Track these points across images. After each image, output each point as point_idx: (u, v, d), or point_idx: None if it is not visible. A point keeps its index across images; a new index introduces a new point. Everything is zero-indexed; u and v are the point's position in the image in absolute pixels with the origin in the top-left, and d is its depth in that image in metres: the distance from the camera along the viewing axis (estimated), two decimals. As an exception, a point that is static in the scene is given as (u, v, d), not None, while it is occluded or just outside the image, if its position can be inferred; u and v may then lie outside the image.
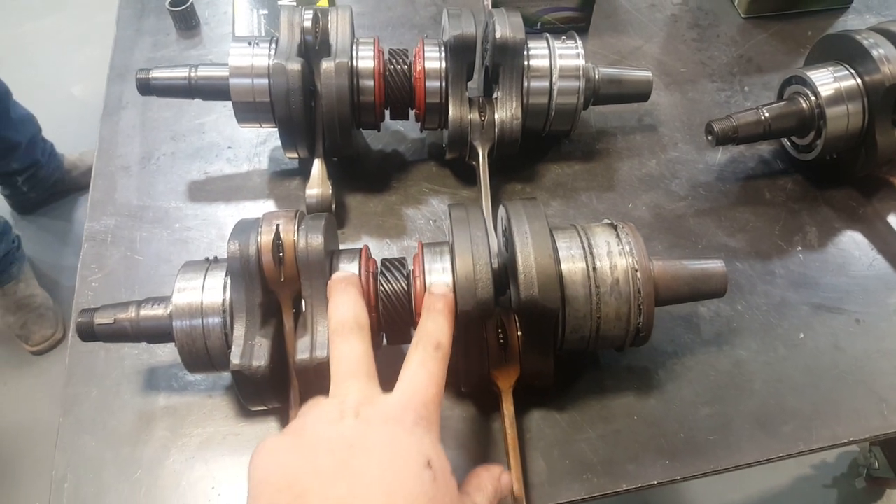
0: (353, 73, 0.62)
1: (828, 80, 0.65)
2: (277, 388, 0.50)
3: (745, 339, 0.60)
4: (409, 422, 0.39)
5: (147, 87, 0.64)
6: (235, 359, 0.47)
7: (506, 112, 0.64)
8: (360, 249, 0.52)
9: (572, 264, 0.50)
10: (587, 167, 0.72)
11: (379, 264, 0.52)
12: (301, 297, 0.50)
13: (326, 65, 0.60)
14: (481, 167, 0.65)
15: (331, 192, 0.64)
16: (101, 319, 0.51)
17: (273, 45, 0.62)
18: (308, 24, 0.61)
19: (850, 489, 1.44)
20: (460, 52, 0.63)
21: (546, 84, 0.65)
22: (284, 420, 0.54)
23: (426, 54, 0.64)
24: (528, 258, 0.47)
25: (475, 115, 0.65)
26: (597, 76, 0.68)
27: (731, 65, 0.82)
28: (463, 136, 0.65)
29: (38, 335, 1.65)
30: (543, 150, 0.74)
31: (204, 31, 0.84)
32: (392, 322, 0.50)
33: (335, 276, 0.49)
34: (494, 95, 0.65)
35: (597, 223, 0.54)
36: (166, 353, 0.58)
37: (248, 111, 0.63)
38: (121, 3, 0.88)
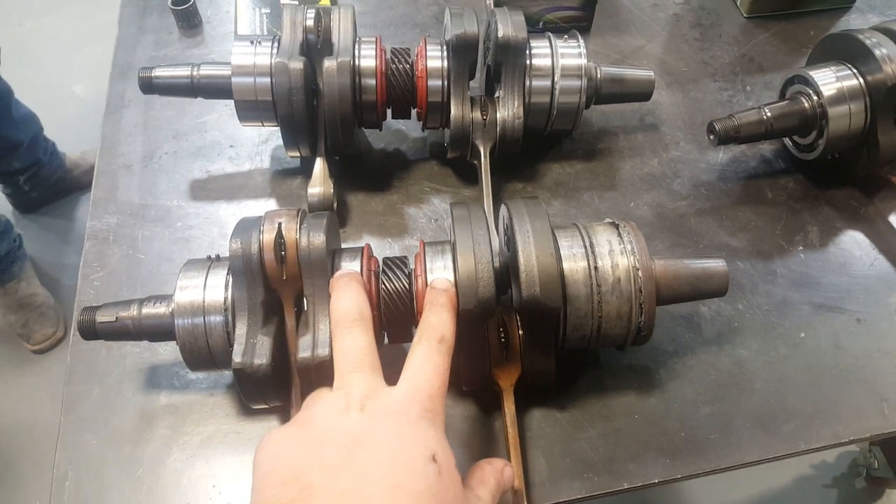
0: (356, 72, 0.62)
1: (830, 80, 0.65)
2: (279, 387, 0.50)
3: (746, 338, 0.60)
4: (414, 415, 0.39)
5: (149, 86, 0.64)
6: (237, 357, 0.47)
7: (507, 111, 0.64)
8: (362, 248, 0.52)
9: (574, 263, 0.50)
10: (589, 166, 0.72)
11: (381, 263, 0.52)
12: (303, 296, 0.50)
13: (329, 63, 0.60)
14: (483, 166, 0.65)
15: (332, 190, 0.64)
16: (103, 317, 0.51)
17: (275, 44, 0.63)
18: (310, 22, 0.61)
19: (849, 489, 1.44)
20: (462, 50, 0.63)
21: (548, 83, 0.65)
22: (286, 418, 0.55)
23: (428, 53, 0.64)
24: (529, 257, 0.47)
25: (477, 114, 0.65)
26: (599, 75, 0.68)
27: (733, 64, 0.82)
28: (465, 135, 0.65)
29: (39, 334, 1.65)
30: (545, 149, 0.74)
31: (206, 30, 0.84)
32: (394, 320, 0.51)
33: (337, 273, 0.49)
34: (496, 94, 0.65)
35: (598, 222, 0.54)
36: (168, 351, 0.59)
37: (251, 110, 0.63)
38: (123, 1, 0.88)
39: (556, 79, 0.65)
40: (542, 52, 0.65)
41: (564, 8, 0.82)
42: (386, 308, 0.50)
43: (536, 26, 0.83)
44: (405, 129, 0.75)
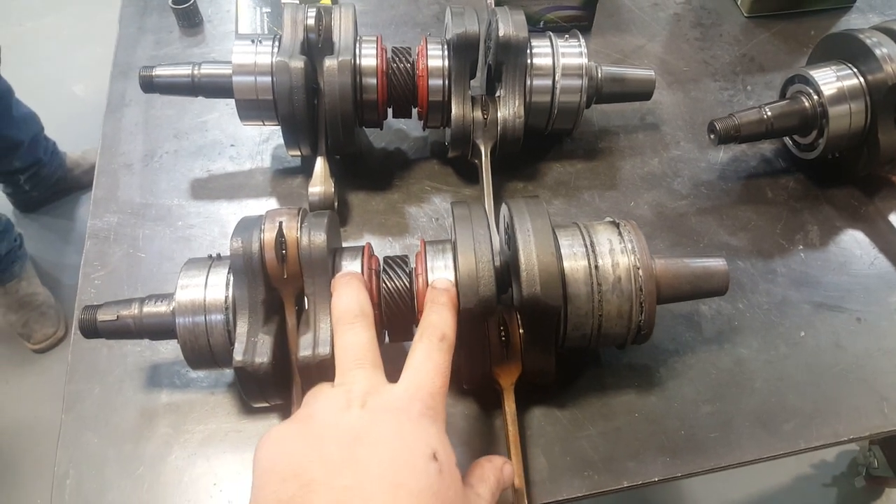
0: (357, 71, 0.62)
1: (830, 79, 0.65)
2: (280, 385, 0.50)
3: (747, 337, 0.60)
4: (415, 412, 0.39)
5: (150, 85, 0.64)
6: (238, 355, 0.47)
7: (508, 110, 0.64)
8: (363, 247, 0.52)
9: (574, 262, 0.50)
10: (589, 166, 0.73)
11: (381, 262, 0.52)
12: (304, 295, 0.50)
13: (329, 62, 0.60)
14: (484, 165, 0.65)
15: (333, 190, 0.64)
16: (104, 316, 0.51)
17: (276, 43, 0.63)
18: (311, 21, 0.61)
19: (849, 488, 1.44)
20: (463, 50, 0.63)
21: (549, 82, 0.65)
22: (286, 417, 0.54)
23: (429, 52, 0.64)
24: (530, 256, 0.47)
25: (478, 114, 0.65)
26: (599, 75, 0.68)
27: (733, 64, 0.82)
28: (465, 135, 0.65)
29: (39, 333, 1.65)
30: (546, 148, 0.74)
31: (207, 29, 0.84)
32: (395, 319, 0.51)
33: (339, 273, 0.49)
34: (497, 94, 0.65)
35: (599, 221, 0.54)
36: (168, 350, 0.59)
37: (251, 109, 0.63)
38: (123, 0, 0.88)
39: (556, 78, 0.65)
40: (542, 52, 0.66)
41: (565, 7, 0.82)
42: (387, 306, 0.50)
43: (537, 26, 0.83)
44: (406, 129, 0.75)
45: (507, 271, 0.51)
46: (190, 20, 0.83)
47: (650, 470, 0.53)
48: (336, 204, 0.65)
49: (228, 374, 0.57)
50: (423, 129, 0.72)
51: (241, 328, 0.48)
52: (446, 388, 0.42)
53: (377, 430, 0.38)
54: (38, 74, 2.14)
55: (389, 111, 0.67)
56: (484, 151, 0.65)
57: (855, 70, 0.65)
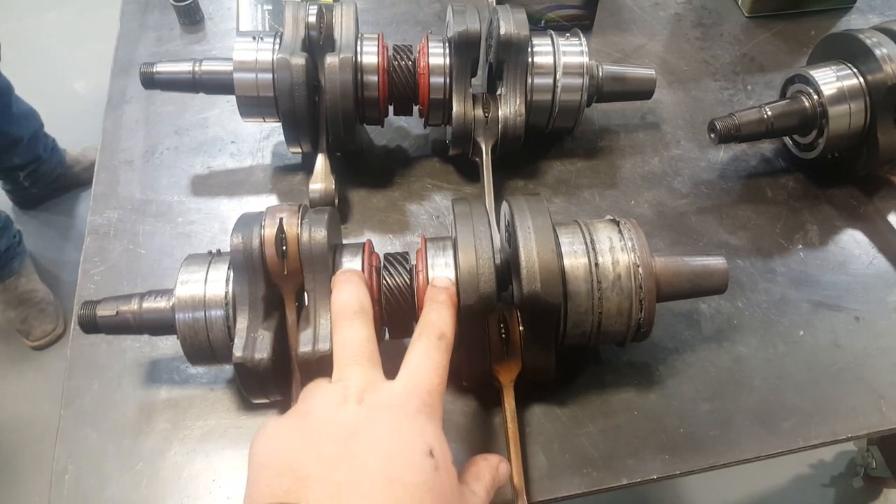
0: (358, 69, 0.62)
1: (830, 79, 0.65)
2: (279, 381, 0.50)
3: (746, 335, 0.60)
4: (412, 409, 0.40)
5: (151, 81, 0.64)
6: (238, 351, 0.48)
7: (509, 109, 0.64)
8: (364, 244, 0.52)
9: (574, 260, 0.50)
10: (590, 164, 0.73)
11: (382, 259, 0.53)
12: (304, 291, 0.50)
13: (331, 60, 0.60)
14: (484, 164, 0.65)
15: (334, 187, 0.64)
16: (104, 311, 0.51)
17: (277, 40, 0.63)
18: (312, 19, 0.61)
19: (847, 488, 1.44)
20: (464, 48, 0.63)
21: (550, 81, 0.65)
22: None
23: (430, 50, 0.64)
24: (530, 253, 0.47)
25: (479, 112, 0.65)
26: (600, 73, 0.68)
27: (734, 63, 0.82)
28: (466, 133, 0.65)
29: (38, 330, 1.65)
30: (546, 146, 0.74)
31: (208, 27, 0.84)
32: (395, 316, 0.51)
33: (339, 270, 0.49)
34: (498, 92, 0.65)
35: (599, 219, 0.54)
36: (168, 345, 0.59)
37: (252, 106, 0.63)
38: (124, -3, 0.88)
39: (557, 77, 0.65)
40: (544, 50, 0.66)
41: (566, 6, 0.82)
42: (387, 303, 0.50)
43: (538, 24, 0.83)
44: (407, 126, 0.75)
45: (508, 268, 0.51)
46: (191, 17, 0.83)
47: (649, 467, 0.53)
48: (337, 201, 0.65)
49: (228, 370, 0.58)
50: (424, 127, 0.72)
51: (241, 324, 0.48)
52: (444, 385, 0.43)
53: (374, 426, 0.38)
54: (39, 71, 2.14)
55: (390, 109, 0.67)
56: (485, 149, 0.65)
57: (855, 70, 0.65)
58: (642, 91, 0.71)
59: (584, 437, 0.54)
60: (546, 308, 0.47)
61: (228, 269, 0.51)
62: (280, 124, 0.64)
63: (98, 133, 0.74)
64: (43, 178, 1.81)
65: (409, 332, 0.53)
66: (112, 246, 0.65)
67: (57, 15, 2.36)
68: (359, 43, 0.63)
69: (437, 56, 0.64)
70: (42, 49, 2.25)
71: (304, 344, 0.47)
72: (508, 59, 0.63)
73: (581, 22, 0.84)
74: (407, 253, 0.54)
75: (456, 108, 0.64)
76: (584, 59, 0.66)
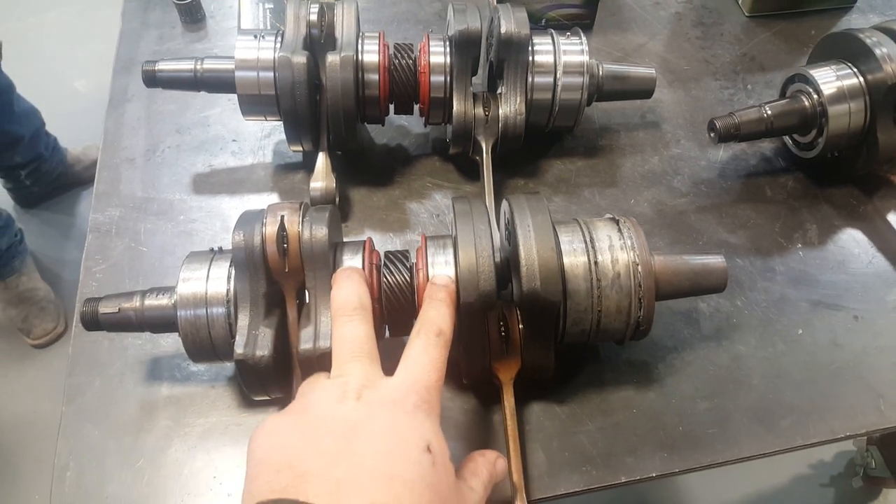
0: (359, 67, 0.62)
1: (830, 79, 0.65)
2: (280, 378, 0.50)
3: (745, 334, 0.61)
4: (410, 405, 0.40)
5: (153, 80, 0.64)
6: (239, 348, 0.48)
7: (509, 107, 0.64)
8: (364, 242, 0.53)
9: (574, 258, 0.50)
10: (590, 163, 0.73)
11: (382, 257, 0.53)
12: (305, 289, 0.50)
13: (332, 58, 0.61)
14: (484, 162, 0.65)
15: (335, 185, 0.64)
16: (106, 308, 0.51)
17: (279, 39, 0.63)
18: (314, 17, 0.61)
19: (847, 488, 1.45)
20: (465, 47, 0.63)
21: (550, 80, 0.66)
22: (287, 410, 0.55)
23: (431, 49, 0.64)
24: (530, 251, 0.47)
25: (479, 111, 0.65)
26: (600, 73, 0.68)
27: (734, 63, 0.83)
28: (467, 131, 0.65)
29: (39, 329, 1.66)
30: (546, 145, 0.74)
31: (209, 25, 0.85)
32: (395, 313, 0.51)
33: (340, 268, 0.49)
34: (498, 91, 0.65)
35: (599, 218, 0.54)
36: (169, 343, 0.59)
37: (254, 104, 0.64)
38: (126, -4, 0.88)
39: (558, 75, 0.65)
40: (544, 49, 0.66)
41: (567, 6, 0.82)
42: (387, 301, 0.51)
43: (539, 23, 0.83)
44: (407, 125, 0.75)
45: (508, 266, 0.51)
46: (192, 16, 0.84)
47: (648, 465, 0.53)
48: (337, 199, 0.65)
49: (229, 367, 0.58)
50: (425, 126, 0.72)
51: (243, 321, 0.49)
52: (441, 382, 0.43)
53: (372, 423, 0.39)
54: (40, 70, 2.15)
55: (391, 107, 0.68)
56: (485, 148, 0.65)
57: (855, 69, 0.65)
58: (642, 90, 0.71)
59: (583, 434, 0.54)
60: (545, 306, 0.48)
61: (230, 266, 0.51)
62: (281, 123, 0.64)
63: (99, 132, 0.74)
64: (44, 177, 1.81)
65: (408, 330, 0.52)
66: (114, 244, 0.65)
67: (58, 14, 2.37)
68: (360, 42, 0.64)
69: (437, 55, 0.64)
70: (43, 48, 2.26)
71: (304, 341, 0.48)
72: (509, 57, 0.64)
73: (581, 21, 0.84)
74: (407, 251, 0.54)
75: (456, 106, 0.64)
76: (585, 58, 0.66)
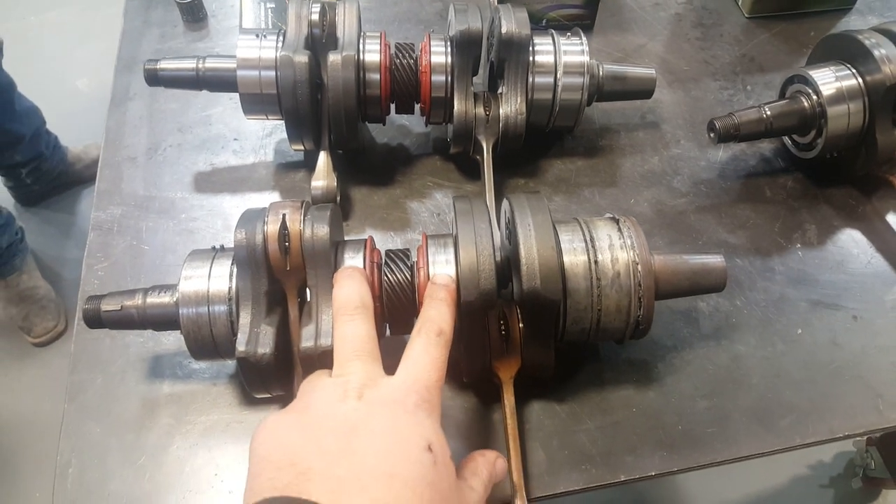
0: (360, 67, 0.63)
1: (829, 80, 0.66)
2: (282, 376, 0.50)
3: (744, 334, 0.61)
4: (411, 405, 0.40)
5: (155, 78, 0.65)
6: (241, 346, 0.48)
7: (510, 107, 0.65)
8: (365, 240, 0.53)
9: (574, 257, 0.50)
10: (590, 163, 0.73)
11: (383, 255, 0.53)
12: (306, 287, 0.50)
13: (333, 58, 0.61)
14: (485, 162, 0.66)
15: (336, 184, 0.65)
16: (108, 306, 0.51)
17: (280, 38, 0.63)
18: (315, 17, 0.62)
19: (846, 489, 1.45)
20: (466, 46, 0.63)
21: (550, 80, 0.66)
22: (288, 408, 0.55)
23: (432, 49, 0.64)
24: (530, 250, 0.48)
25: (480, 110, 0.65)
26: (601, 73, 0.68)
27: (733, 64, 0.83)
28: (467, 131, 0.65)
29: (40, 327, 1.66)
30: (547, 145, 0.74)
31: (211, 24, 0.85)
32: (396, 312, 0.51)
33: (341, 268, 0.49)
34: (499, 90, 0.66)
35: (599, 217, 0.55)
36: (171, 341, 0.59)
37: (255, 103, 0.64)
38: (128, -5, 0.88)
39: (558, 76, 0.66)
40: (545, 49, 0.66)
41: (568, 6, 0.83)
42: (388, 299, 0.51)
43: (539, 24, 0.83)
44: (408, 125, 0.76)
45: (508, 265, 0.52)
46: (194, 15, 0.84)
47: (647, 464, 0.53)
48: (338, 198, 0.65)
49: (230, 365, 0.58)
50: (426, 125, 0.72)
51: (244, 319, 0.49)
52: (442, 381, 0.43)
53: (373, 422, 0.39)
54: (41, 69, 2.15)
55: (392, 107, 0.68)
56: (486, 148, 0.66)
57: (853, 70, 0.66)
58: (642, 90, 0.71)
59: (582, 433, 0.55)
60: (546, 304, 0.48)
61: (232, 264, 0.51)
62: (282, 122, 0.64)
63: (100, 130, 0.75)
64: (45, 176, 1.82)
65: (409, 329, 0.53)
66: (115, 242, 0.66)
67: (59, 13, 2.37)
68: (361, 41, 0.64)
69: (438, 54, 0.64)
70: (45, 47, 2.26)
71: (306, 339, 0.48)
72: (510, 57, 0.64)
73: (582, 21, 0.84)
74: (408, 250, 0.54)
75: (457, 106, 0.64)
76: (585, 59, 0.66)
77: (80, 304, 0.54)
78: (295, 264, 0.50)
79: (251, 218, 0.50)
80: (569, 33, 0.68)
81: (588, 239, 0.51)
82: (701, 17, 0.88)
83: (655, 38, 0.86)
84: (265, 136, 0.74)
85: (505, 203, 0.54)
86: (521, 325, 0.52)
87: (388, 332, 0.54)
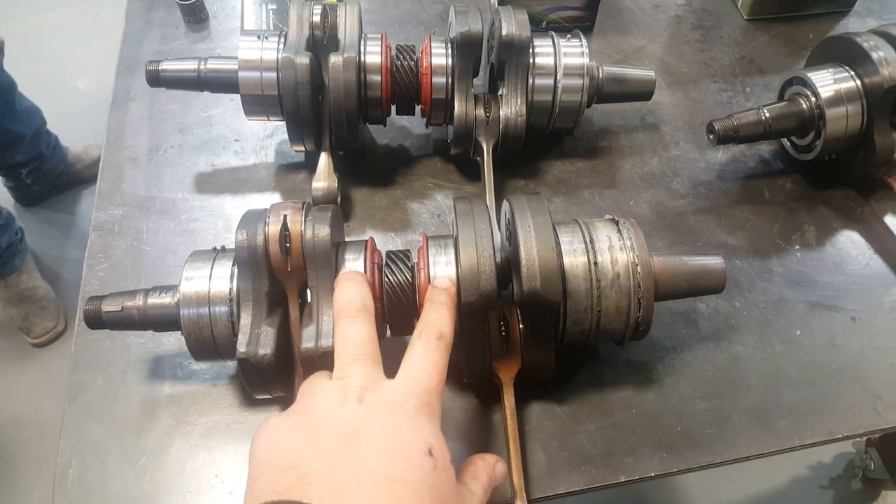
0: (361, 68, 0.63)
1: (828, 82, 0.66)
2: (282, 377, 0.50)
3: (743, 335, 0.61)
4: (411, 408, 0.40)
5: (156, 79, 0.65)
6: (242, 346, 0.48)
7: (510, 109, 0.65)
8: (366, 241, 0.53)
9: (574, 258, 0.51)
10: (590, 164, 0.73)
11: (384, 256, 0.53)
12: (307, 288, 0.50)
13: (334, 59, 0.61)
14: (485, 163, 0.66)
15: (337, 185, 0.65)
16: (109, 307, 0.51)
17: (282, 40, 0.63)
18: (317, 18, 0.62)
19: (846, 490, 1.45)
20: (467, 48, 0.63)
21: (550, 82, 0.66)
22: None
23: (433, 50, 0.65)
24: (530, 251, 0.48)
25: (480, 112, 0.65)
26: (600, 74, 0.68)
27: (733, 66, 0.83)
28: (468, 132, 0.66)
29: (39, 327, 1.65)
30: (547, 147, 0.74)
31: (212, 25, 0.85)
32: (396, 313, 0.51)
33: (342, 271, 0.49)
34: (499, 92, 0.66)
35: (599, 218, 0.55)
36: (171, 341, 0.59)
37: (256, 104, 0.64)
38: (129, -4, 0.89)
39: (558, 77, 0.66)
40: (545, 51, 0.66)
41: (567, 8, 0.83)
42: (389, 301, 0.51)
43: (540, 26, 0.83)
44: (409, 126, 0.76)
45: (508, 266, 0.52)
46: (196, 16, 0.84)
47: (647, 465, 0.53)
48: (339, 199, 0.66)
49: (231, 366, 0.58)
50: (426, 127, 0.72)
51: (245, 320, 0.49)
52: (442, 385, 0.43)
53: (374, 425, 0.39)
54: (42, 69, 2.15)
55: (393, 108, 0.68)
56: (486, 149, 0.66)
57: (852, 73, 0.66)
58: (642, 92, 0.71)
59: (582, 434, 0.55)
60: (546, 306, 0.48)
61: (232, 265, 0.51)
62: (283, 123, 0.64)
63: (100, 131, 0.75)
64: (45, 176, 1.82)
65: (410, 330, 0.53)
66: (116, 242, 0.66)
67: (60, 13, 2.37)
68: (362, 43, 0.64)
69: (439, 56, 0.64)
70: (45, 47, 2.26)
71: (306, 340, 0.48)
72: (510, 59, 0.64)
73: (582, 23, 0.85)
74: (409, 251, 0.54)
75: (458, 107, 0.65)
76: (585, 61, 0.66)
77: (81, 304, 0.55)
78: (296, 265, 0.50)
79: (252, 219, 0.50)
80: (569, 35, 0.68)
81: (588, 240, 0.52)
82: (700, 19, 0.89)
83: (655, 40, 0.86)
84: (266, 137, 0.74)
85: (505, 204, 0.54)
86: (521, 326, 0.52)
87: (388, 333, 0.54)
